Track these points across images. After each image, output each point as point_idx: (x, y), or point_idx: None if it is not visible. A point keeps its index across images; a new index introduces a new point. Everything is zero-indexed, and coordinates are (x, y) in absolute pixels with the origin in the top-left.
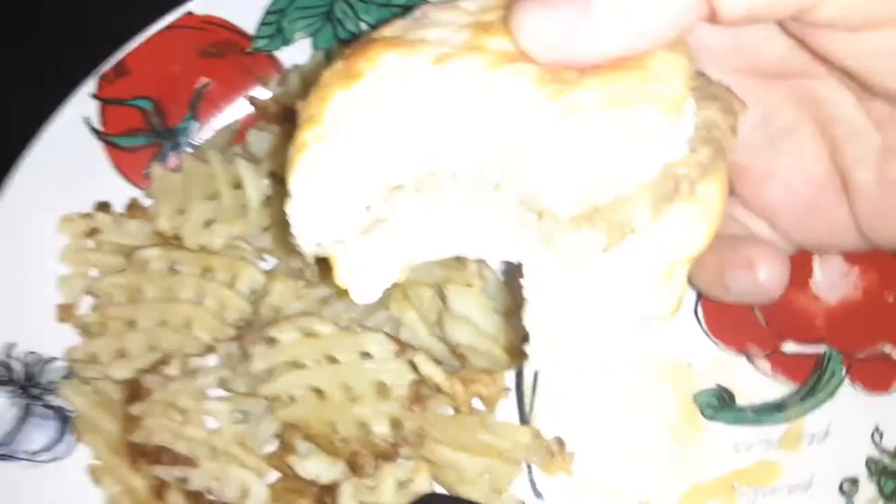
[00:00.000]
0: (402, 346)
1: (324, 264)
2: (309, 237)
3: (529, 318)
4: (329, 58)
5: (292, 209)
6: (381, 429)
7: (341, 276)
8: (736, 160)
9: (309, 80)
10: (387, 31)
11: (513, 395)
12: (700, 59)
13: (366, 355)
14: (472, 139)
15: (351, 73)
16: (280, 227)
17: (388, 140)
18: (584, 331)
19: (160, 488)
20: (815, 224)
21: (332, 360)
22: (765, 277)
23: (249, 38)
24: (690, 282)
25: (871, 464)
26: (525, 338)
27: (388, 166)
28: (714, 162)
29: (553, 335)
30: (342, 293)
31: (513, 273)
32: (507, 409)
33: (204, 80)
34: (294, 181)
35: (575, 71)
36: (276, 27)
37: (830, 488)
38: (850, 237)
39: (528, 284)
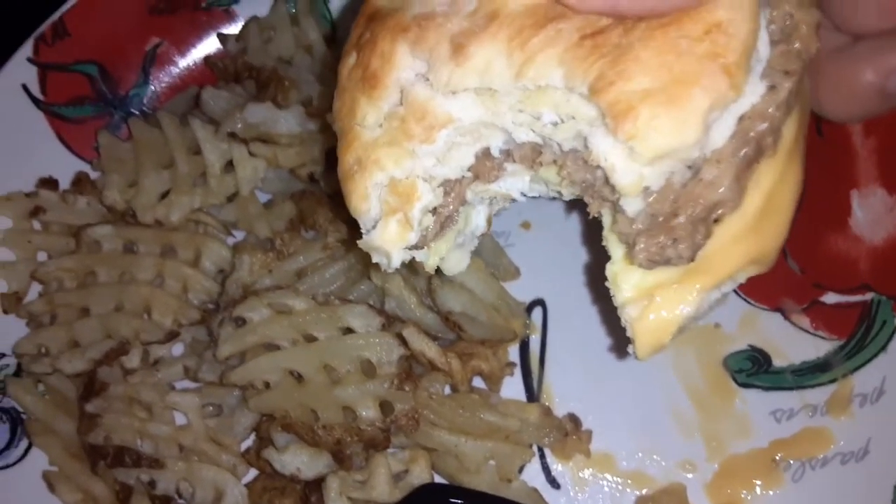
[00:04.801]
0: (389, 319)
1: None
2: (390, 262)
3: (623, 320)
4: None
5: (364, 243)
6: (369, 412)
7: (426, 272)
8: None
9: (268, 35)
10: None
11: (518, 370)
12: None
13: (348, 331)
14: (514, 116)
15: (368, 78)
16: (246, 198)
17: (425, 145)
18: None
19: (124, 494)
20: None
21: (310, 338)
22: None
23: None
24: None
25: None
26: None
27: (437, 163)
28: (799, 91)
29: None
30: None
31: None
32: (512, 386)
33: (155, 40)
34: (355, 215)
35: (619, 28)
36: None
37: (890, 455)
38: None
39: (613, 290)
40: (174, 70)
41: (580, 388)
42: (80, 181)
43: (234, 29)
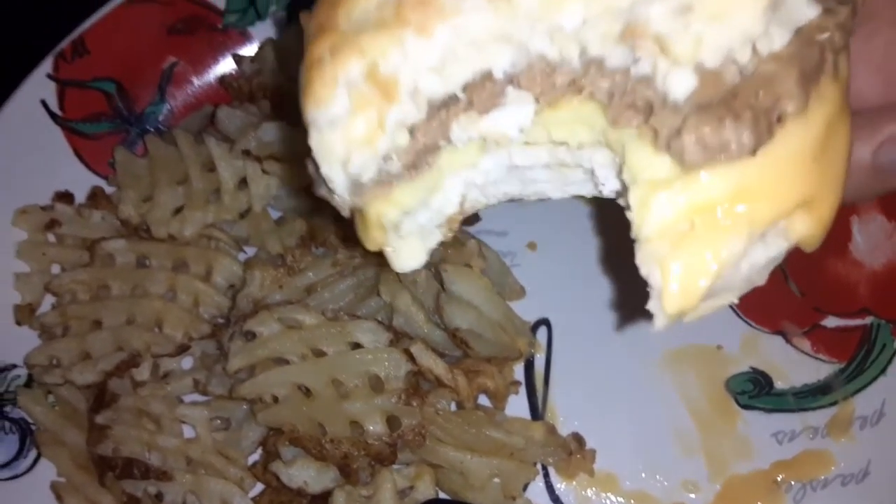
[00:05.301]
0: (397, 335)
1: (349, 231)
2: (343, 177)
3: (645, 261)
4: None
5: (316, 142)
6: (376, 427)
7: (378, 236)
8: None
9: (284, 56)
10: None
11: (523, 388)
12: None
13: (356, 346)
14: (530, 25)
15: None
16: (258, 215)
17: (420, 38)
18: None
19: None
20: None
21: (319, 353)
22: None
23: (220, 13)
24: None
25: None
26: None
27: (426, 72)
28: (852, 26)
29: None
30: (328, 282)
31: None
32: (517, 404)
33: (172, 59)
34: (313, 106)
35: None
36: (248, 0)
37: (890, 477)
38: None
39: (638, 219)
40: (190, 89)
41: (584, 407)
42: (95, 196)
43: (249, 50)
